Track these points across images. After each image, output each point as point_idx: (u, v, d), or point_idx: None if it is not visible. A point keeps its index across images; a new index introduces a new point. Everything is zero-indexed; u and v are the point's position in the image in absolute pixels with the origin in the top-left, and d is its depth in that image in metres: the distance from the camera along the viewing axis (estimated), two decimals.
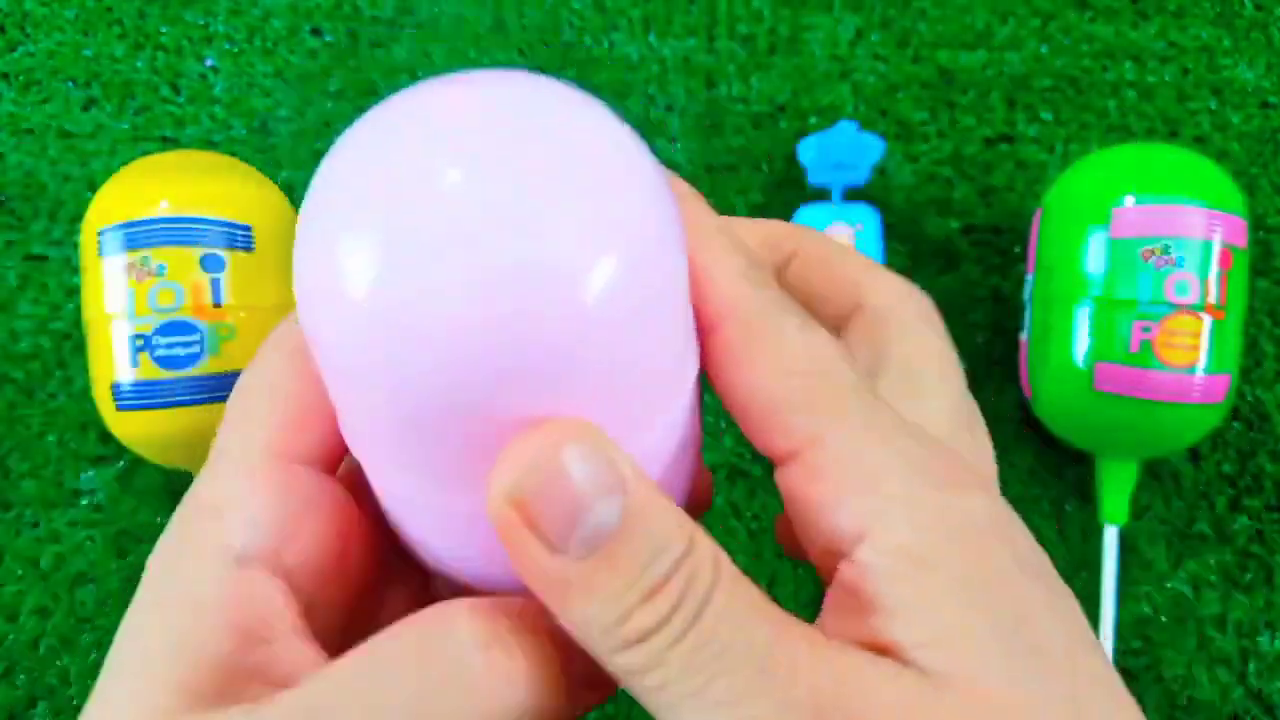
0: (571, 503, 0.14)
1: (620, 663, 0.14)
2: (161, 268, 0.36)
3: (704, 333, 0.17)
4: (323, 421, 0.18)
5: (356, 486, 0.19)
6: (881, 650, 0.15)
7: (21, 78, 0.48)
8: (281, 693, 0.15)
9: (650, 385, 0.16)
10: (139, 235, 0.36)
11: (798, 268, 0.22)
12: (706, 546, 0.15)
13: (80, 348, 0.45)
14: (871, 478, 0.16)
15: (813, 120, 0.48)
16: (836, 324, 0.22)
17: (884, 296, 0.21)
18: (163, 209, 0.36)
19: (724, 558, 0.15)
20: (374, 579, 0.19)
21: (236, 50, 0.49)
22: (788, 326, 0.17)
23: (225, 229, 0.37)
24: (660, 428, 0.17)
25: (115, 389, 0.36)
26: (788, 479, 0.17)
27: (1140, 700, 0.16)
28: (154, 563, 0.17)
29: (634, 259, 0.14)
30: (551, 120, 0.15)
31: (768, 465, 0.22)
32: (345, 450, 0.18)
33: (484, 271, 0.13)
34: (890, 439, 0.16)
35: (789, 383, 0.16)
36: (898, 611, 0.15)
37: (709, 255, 0.17)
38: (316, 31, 0.49)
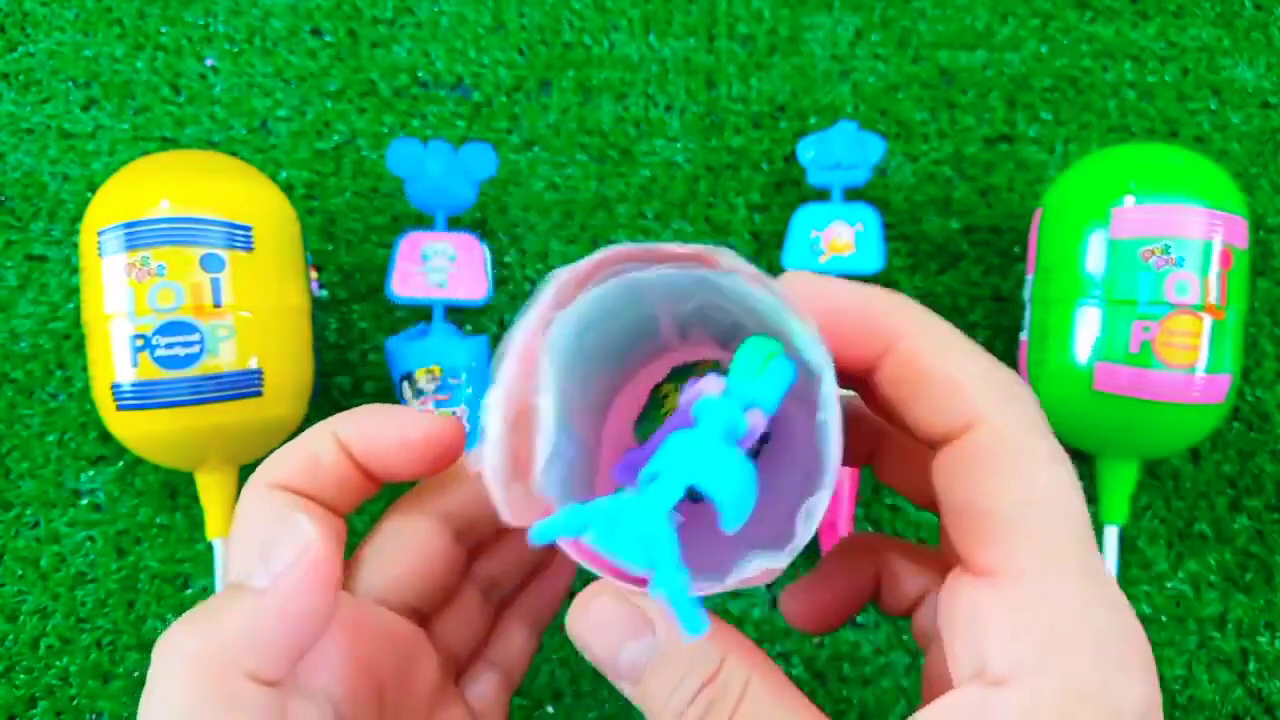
0: (608, 644, 0.18)
1: None
2: (161, 268, 0.36)
3: (939, 435, 0.18)
4: (335, 470, 0.21)
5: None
6: None
7: (21, 78, 0.48)
8: None
9: None
10: (139, 235, 0.36)
11: (896, 363, 0.19)
12: (736, 666, 0.18)
13: (80, 348, 0.45)
14: (1051, 645, 0.16)
15: (813, 120, 0.48)
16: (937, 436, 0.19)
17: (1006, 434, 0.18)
18: (163, 209, 0.36)
19: (758, 674, 0.18)
20: None
21: (236, 50, 0.49)
22: (1040, 452, 0.17)
23: (225, 229, 0.37)
24: None
25: (115, 389, 0.36)
26: (964, 595, 0.18)
27: None
28: None
29: None
30: None
31: None
32: (375, 577, 0.22)
33: None
34: (1089, 605, 0.16)
35: (1027, 512, 0.17)
36: None
37: (953, 361, 0.18)
38: (316, 31, 0.49)
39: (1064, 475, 0.17)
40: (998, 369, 0.18)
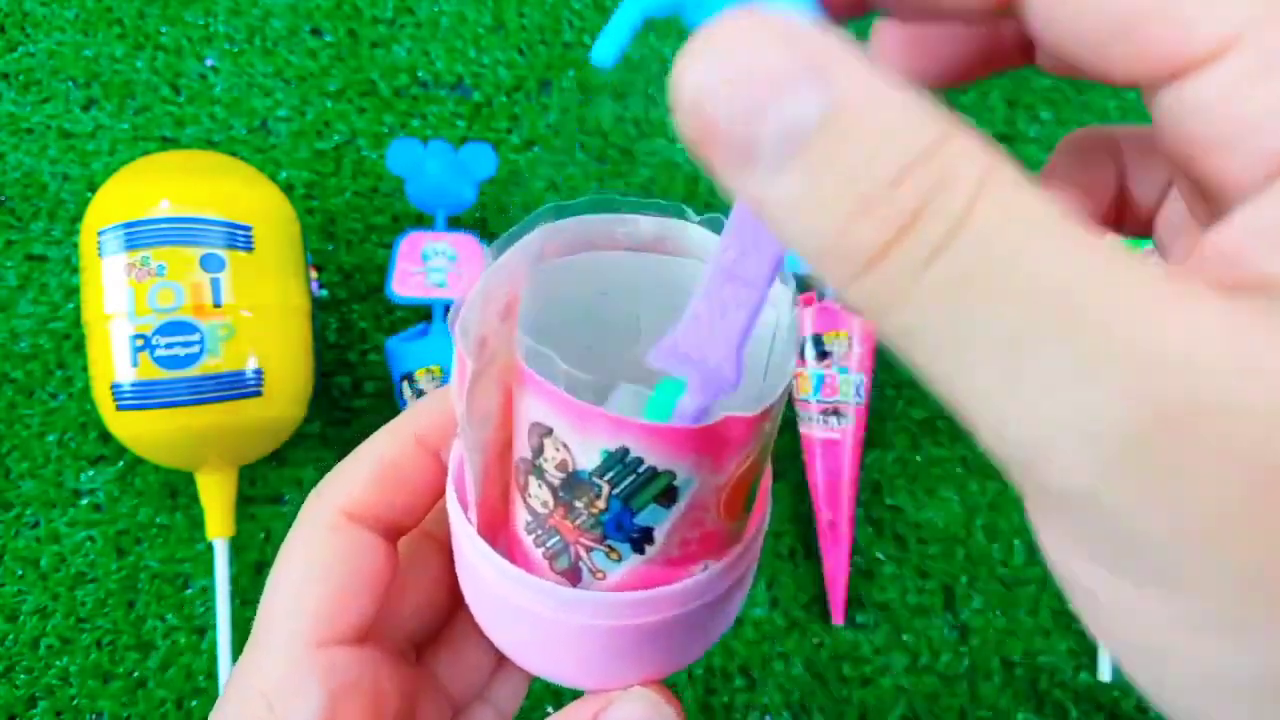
0: (757, 94, 0.10)
1: (856, 300, 0.11)
2: (161, 268, 0.36)
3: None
4: (359, 601, 0.19)
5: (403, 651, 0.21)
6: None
7: (21, 78, 0.48)
8: None
9: None
10: (139, 235, 0.36)
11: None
12: (965, 144, 0.10)
13: (80, 348, 0.45)
14: None
15: None
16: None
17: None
18: (163, 209, 0.36)
19: (1007, 164, 0.10)
20: None
21: (236, 50, 0.49)
22: None
23: (225, 229, 0.37)
24: None
25: (115, 389, 0.36)
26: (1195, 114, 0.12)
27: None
28: None
29: None
30: None
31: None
32: (386, 618, 0.21)
33: None
34: None
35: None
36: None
37: None
38: (316, 31, 0.49)
39: None
40: None
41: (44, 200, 0.46)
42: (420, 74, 0.49)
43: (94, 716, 0.42)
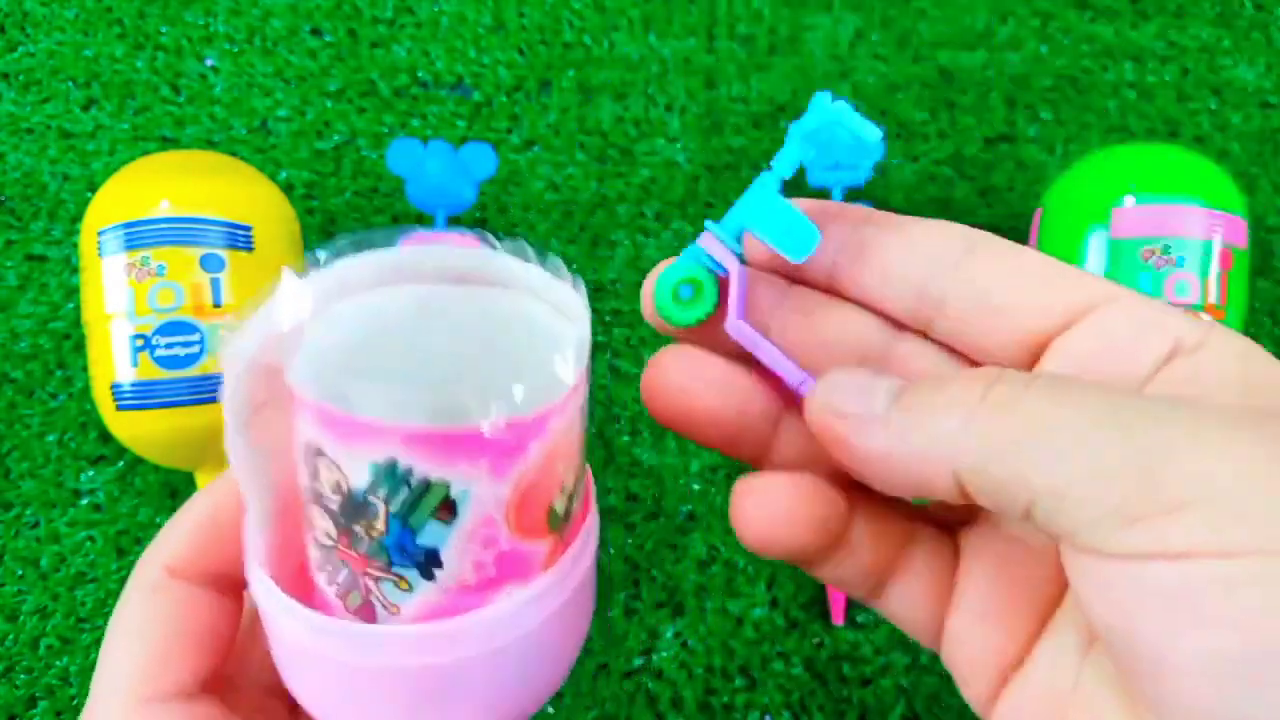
0: (858, 391, 0.18)
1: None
2: (161, 268, 0.36)
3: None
4: (185, 655, 0.19)
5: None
6: None
7: (21, 78, 0.48)
8: None
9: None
10: (139, 235, 0.36)
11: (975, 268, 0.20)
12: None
13: (80, 348, 0.45)
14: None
15: None
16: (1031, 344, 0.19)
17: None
18: (163, 209, 0.36)
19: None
20: None
21: (236, 50, 0.49)
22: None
23: (225, 229, 0.37)
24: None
25: (115, 389, 0.36)
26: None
27: None
28: None
29: None
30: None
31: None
32: (242, 668, 0.20)
33: None
34: None
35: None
36: None
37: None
38: (316, 31, 0.49)
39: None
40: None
41: (44, 200, 0.47)
42: (420, 74, 0.49)
43: None
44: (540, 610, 0.18)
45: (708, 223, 0.21)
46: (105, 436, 0.44)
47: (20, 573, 0.43)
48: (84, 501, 0.44)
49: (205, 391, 0.36)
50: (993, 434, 0.16)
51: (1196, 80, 0.48)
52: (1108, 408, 0.15)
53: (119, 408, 0.36)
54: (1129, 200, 0.37)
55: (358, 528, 0.17)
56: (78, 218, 0.46)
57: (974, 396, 0.16)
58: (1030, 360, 0.19)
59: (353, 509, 0.16)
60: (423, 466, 0.16)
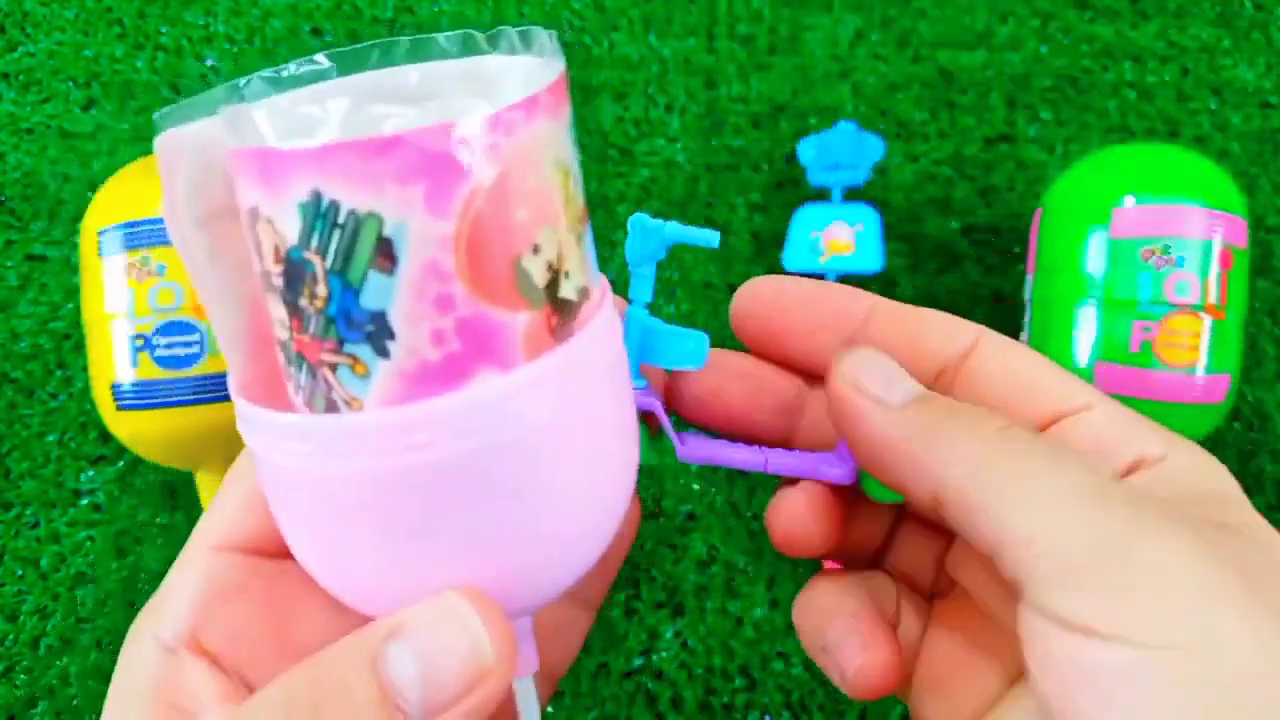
0: (885, 377, 0.19)
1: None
2: (161, 268, 0.36)
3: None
4: (257, 513, 0.20)
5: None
6: None
7: (21, 78, 0.48)
8: None
9: None
10: (139, 235, 0.36)
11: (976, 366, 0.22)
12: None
13: (80, 348, 0.45)
14: None
15: (813, 120, 0.48)
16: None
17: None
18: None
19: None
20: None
21: (236, 50, 0.49)
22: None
23: None
24: None
25: (115, 389, 0.36)
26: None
27: None
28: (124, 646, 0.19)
29: None
30: None
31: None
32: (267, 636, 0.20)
33: None
34: None
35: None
36: None
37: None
38: (316, 31, 0.49)
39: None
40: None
41: (44, 200, 0.47)
42: None
43: (94, 717, 0.42)
44: (528, 406, 0.15)
45: None
46: (105, 436, 0.44)
47: (20, 573, 0.43)
48: (84, 501, 0.44)
49: (205, 391, 0.36)
50: (993, 467, 0.17)
51: (1196, 80, 0.48)
52: (1097, 481, 0.17)
53: (119, 408, 0.36)
54: (1129, 200, 0.37)
55: (303, 301, 0.15)
56: (78, 218, 0.46)
57: (990, 428, 0.18)
58: None
59: (293, 276, 0.15)
60: (348, 196, 0.14)
